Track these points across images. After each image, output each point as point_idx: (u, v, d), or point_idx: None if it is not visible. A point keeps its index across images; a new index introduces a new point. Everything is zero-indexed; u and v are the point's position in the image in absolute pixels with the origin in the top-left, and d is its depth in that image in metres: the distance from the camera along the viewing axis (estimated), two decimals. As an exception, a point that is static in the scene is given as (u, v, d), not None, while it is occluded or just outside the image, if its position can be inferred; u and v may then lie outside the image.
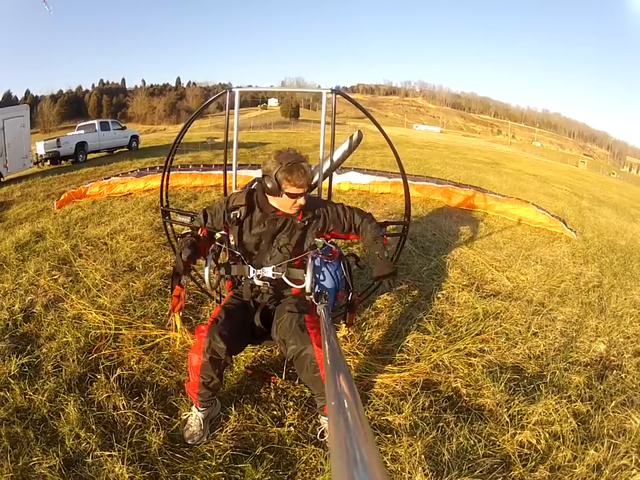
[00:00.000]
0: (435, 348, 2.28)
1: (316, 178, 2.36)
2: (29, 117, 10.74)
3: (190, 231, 1.82)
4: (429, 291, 3.16)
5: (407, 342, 2.33)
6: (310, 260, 1.80)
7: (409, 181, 6.77)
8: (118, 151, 14.51)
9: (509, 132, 41.49)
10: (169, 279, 2.95)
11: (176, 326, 2.06)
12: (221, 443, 1.61)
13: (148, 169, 6.48)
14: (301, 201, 1.69)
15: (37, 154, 11.81)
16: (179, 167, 6.41)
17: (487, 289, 3.27)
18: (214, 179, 5.95)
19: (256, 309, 1.77)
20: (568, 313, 2.90)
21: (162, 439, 1.58)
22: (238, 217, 1.77)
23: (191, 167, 6.38)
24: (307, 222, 1.79)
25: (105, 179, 5.83)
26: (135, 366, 1.97)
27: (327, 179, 2.42)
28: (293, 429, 1.69)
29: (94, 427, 1.59)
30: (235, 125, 2.35)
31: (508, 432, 1.70)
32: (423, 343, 2.34)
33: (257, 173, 6.01)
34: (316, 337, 1.58)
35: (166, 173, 2.66)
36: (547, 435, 1.69)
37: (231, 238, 1.85)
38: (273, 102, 69.95)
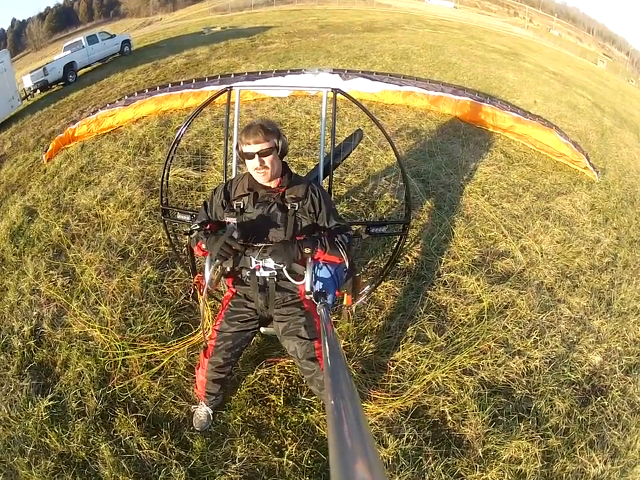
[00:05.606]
0: (430, 365, 2.36)
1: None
2: (9, 60, 10.70)
3: (197, 228, 1.76)
4: (436, 272, 3.06)
5: (404, 356, 2.41)
6: (309, 259, 1.71)
7: (422, 90, 5.89)
8: (111, 58, 14.10)
9: (527, 15, 35.66)
10: (163, 271, 2.94)
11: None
12: (233, 476, 1.91)
13: (136, 94, 5.63)
14: (258, 162, 1.63)
15: (24, 88, 11.19)
16: (169, 85, 5.49)
17: (498, 268, 3.14)
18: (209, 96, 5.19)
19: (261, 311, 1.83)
20: (575, 307, 2.84)
21: (185, 475, 1.87)
22: (242, 207, 1.72)
23: (182, 83, 5.42)
24: (297, 205, 1.70)
25: (92, 112, 5.33)
26: (147, 395, 2.17)
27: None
28: (291, 461, 1.96)
29: (127, 469, 1.87)
30: (235, 125, 2.35)
31: (477, 470, 1.91)
32: (420, 357, 2.41)
33: (254, 86, 5.03)
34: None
35: (165, 171, 2.54)
36: (511, 475, 1.89)
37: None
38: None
